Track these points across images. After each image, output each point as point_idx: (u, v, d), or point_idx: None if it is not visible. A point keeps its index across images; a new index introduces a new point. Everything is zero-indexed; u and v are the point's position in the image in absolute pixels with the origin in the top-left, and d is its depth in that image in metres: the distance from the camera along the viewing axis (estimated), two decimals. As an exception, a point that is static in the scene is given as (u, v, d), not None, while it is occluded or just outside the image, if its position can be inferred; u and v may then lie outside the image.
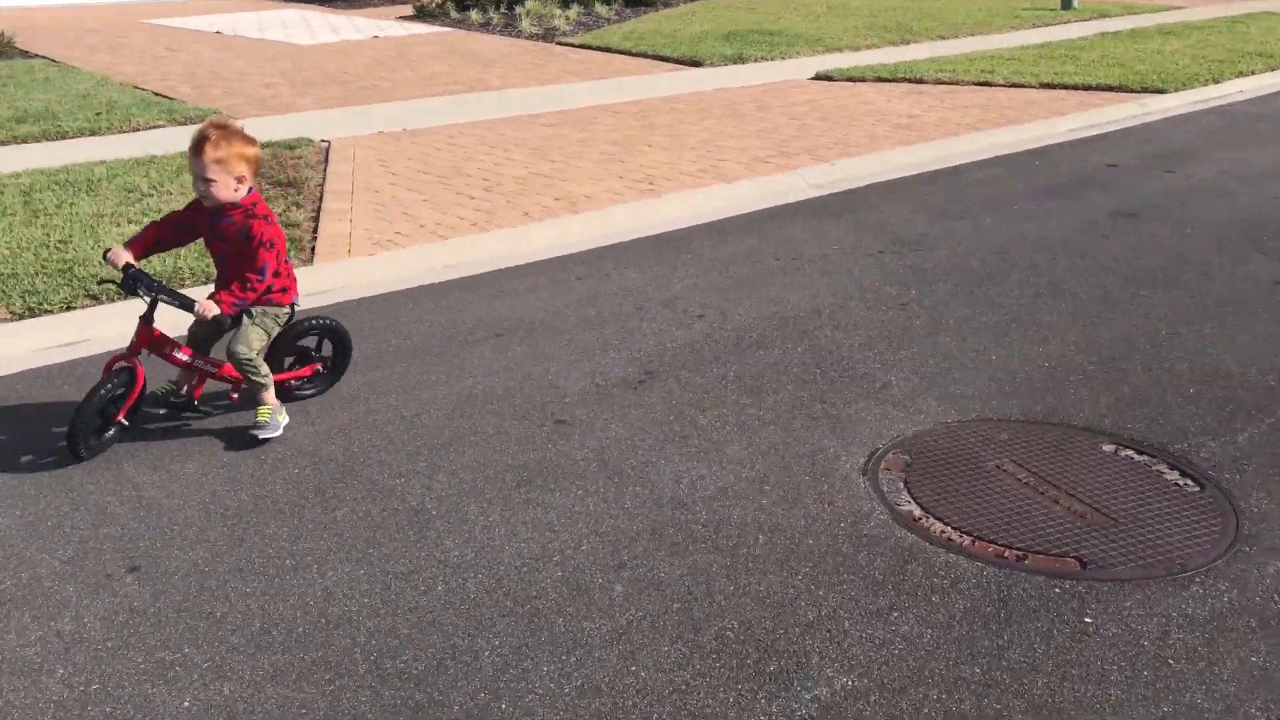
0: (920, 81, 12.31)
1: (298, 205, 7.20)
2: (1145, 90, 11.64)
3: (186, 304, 3.89)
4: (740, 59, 13.63)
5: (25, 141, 8.95)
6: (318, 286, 5.95)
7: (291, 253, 6.20)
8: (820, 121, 10.21)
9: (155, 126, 9.60)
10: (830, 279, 6.00)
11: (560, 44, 15.17)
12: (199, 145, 3.79)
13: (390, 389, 4.60)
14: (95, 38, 14.85)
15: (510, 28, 16.47)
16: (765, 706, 2.72)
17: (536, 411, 4.38)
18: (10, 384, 4.66)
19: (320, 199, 7.45)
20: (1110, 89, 11.74)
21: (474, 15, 17.15)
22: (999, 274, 6.06)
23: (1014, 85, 12.09)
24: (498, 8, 17.61)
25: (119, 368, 3.97)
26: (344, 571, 3.30)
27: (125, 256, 3.90)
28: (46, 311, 5.41)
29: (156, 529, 3.53)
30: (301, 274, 5.98)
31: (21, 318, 5.33)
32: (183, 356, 4.15)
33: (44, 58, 13.07)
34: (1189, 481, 3.81)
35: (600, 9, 17.84)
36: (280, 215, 6.86)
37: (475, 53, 14.32)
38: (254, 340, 4.09)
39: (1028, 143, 9.59)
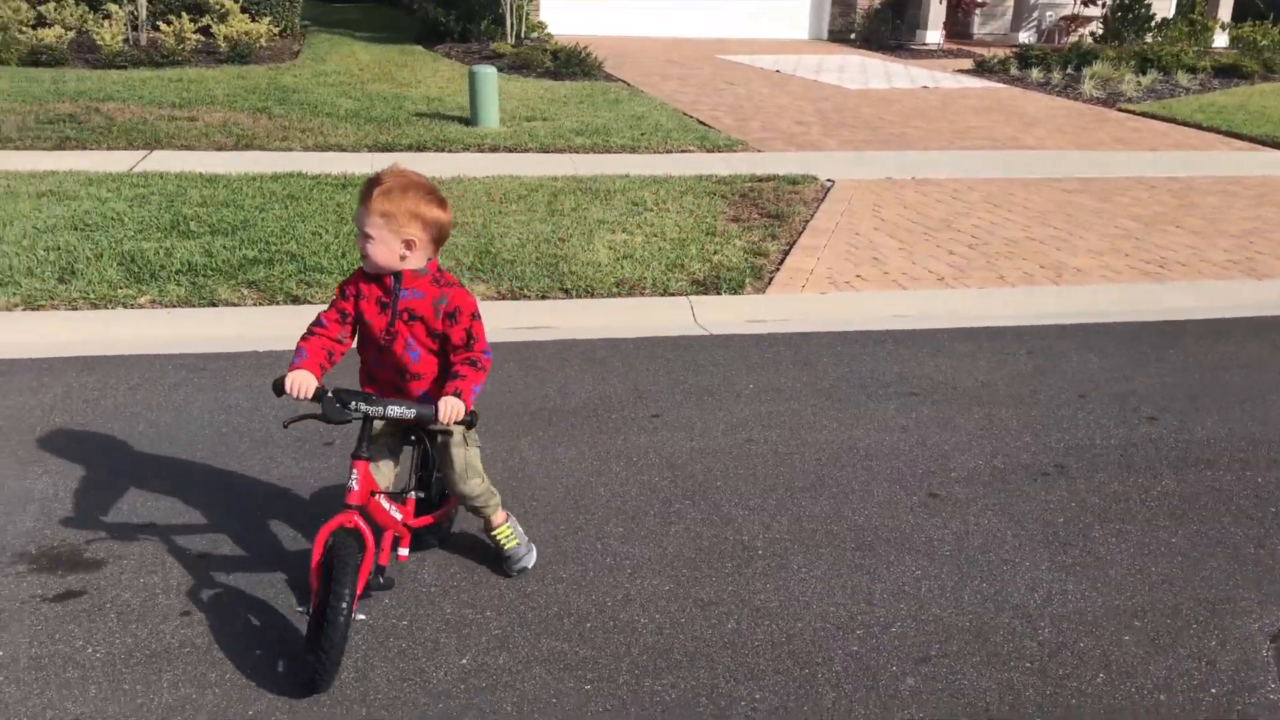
0: None
1: (774, 237, 7.40)
2: None
3: (425, 412, 2.89)
4: (1334, 144, 11.72)
5: (577, 151, 10.12)
6: (762, 315, 6.09)
7: (748, 280, 6.44)
8: None
9: (685, 150, 10.40)
10: (1337, 407, 4.95)
11: (1120, 110, 14.10)
12: (368, 191, 2.90)
13: (778, 424, 4.58)
14: (671, 68, 16.43)
15: (1070, 89, 15.62)
16: None
17: (914, 479, 4.11)
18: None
19: (799, 234, 7.60)
20: None
21: (1034, 73, 16.49)
22: None
23: None
24: (1064, 68, 16.76)
25: (340, 538, 2.83)
26: (651, 584, 3.34)
27: (310, 380, 2.86)
28: (524, 297, 6.09)
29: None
30: (751, 301, 6.25)
31: (504, 299, 6.05)
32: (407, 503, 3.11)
33: (622, 81, 14.71)
34: None
35: (1181, 77, 16.28)
36: (754, 245, 7.12)
37: (1021, 111, 13.77)
38: (477, 461, 3.19)
39: None
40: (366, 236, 2.89)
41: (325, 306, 3.04)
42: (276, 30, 15.37)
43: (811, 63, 17.80)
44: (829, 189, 9.05)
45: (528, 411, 4.58)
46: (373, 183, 2.90)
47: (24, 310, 5.38)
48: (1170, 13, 21.48)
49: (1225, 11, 20.69)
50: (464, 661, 2.94)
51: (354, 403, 2.85)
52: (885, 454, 4.32)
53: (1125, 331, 6.00)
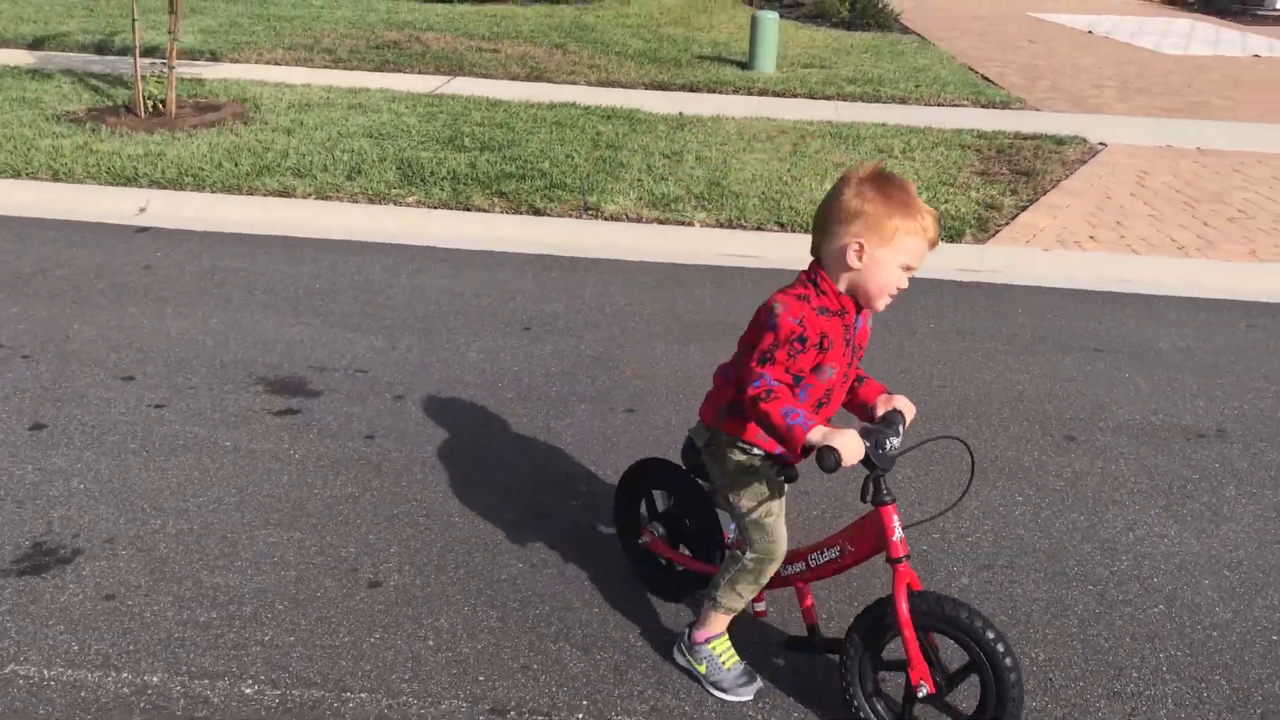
0: None
1: (1014, 193, 7.36)
2: None
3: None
4: None
5: (845, 99, 10.29)
6: (975, 264, 6.17)
7: (969, 230, 6.52)
8: None
9: (957, 104, 10.31)
10: None
11: None
12: (937, 230, 2.32)
13: (944, 361, 4.76)
14: (973, 23, 16.01)
15: None
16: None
17: (1059, 424, 4.21)
18: (702, 273, 5.80)
19: (1045, 192, 7.49)
20: None
21: (1393, 46, 14.72)
22: None
23: None
24: None
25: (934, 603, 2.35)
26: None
27: (856, 441, 2.20)
28: (741, 226, 6.49)
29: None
30: (968, 250, 6.34)
31: (722, 227, 6.48)
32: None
33: (916, 34, 14.55)
34: None
35: None
36: (990, 198, 7.14)
37: (1360, 86, 12.44)
38: None
39: None
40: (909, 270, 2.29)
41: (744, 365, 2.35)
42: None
43: (1132, 25, 16.76)
44: (1097, 152, 8.75)
45: (704, 324, 5.01)
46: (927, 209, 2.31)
47: (315, 199, 6.41)
48: None
49: None
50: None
51: (888, 441, 2.31)
52: (1040, 398, 4.41)
53: (1370, 317, 5.60)
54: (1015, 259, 6.29)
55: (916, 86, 10.81)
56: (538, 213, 6.45)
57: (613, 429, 3.94)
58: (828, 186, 7.14)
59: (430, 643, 2.74)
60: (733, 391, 2.44)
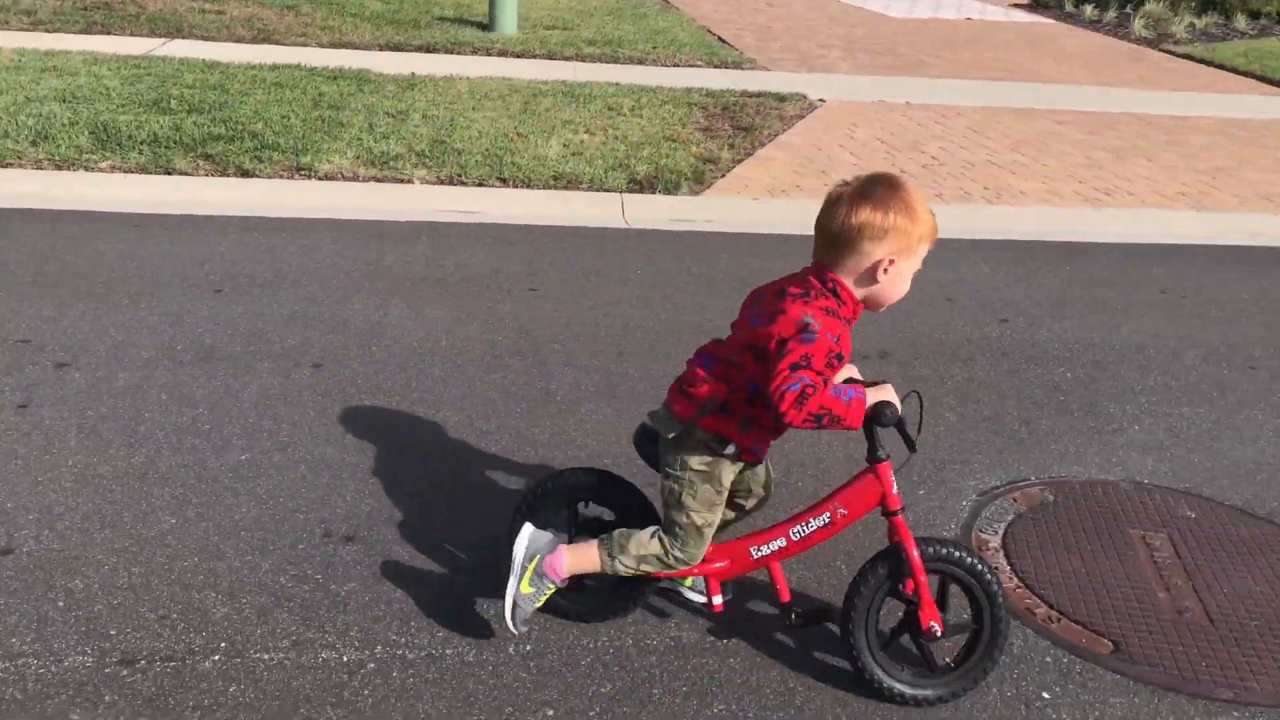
0: None
1: (732, 146, 7.66)
2: None
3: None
4: (1374, 94, 11.41)
5: (584, 60, 10.41)
6: (689, 215, 6.39)
7: (685, 182, 6.74)
8: (1400, 173, 8.33)
9: (692, 65, 10.61)
10: (1184, 324, 5.12)
11: (1162, 50, 13.81)
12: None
13: (643, 303, 4.94)
14: (717, -12, 16.48)
15: (1121, 28, 15.28)
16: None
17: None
18: (418, 229, 5.75)
19: (761, 145, 7.84)
20: None
21: (1088, 10, 16.13)
22: None
23: None
24: (1121, 7, 16.36)
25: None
26: (445, 415, 3.76)
27: (894, 394, 2.40)
28: (462, 183, 6.49)
29: (359, 342, 4.27)
30: (684, 201, 6.56)
31: (442, 184, 6.46)
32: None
33: (661, -1, 14.84)
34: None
35: (1241, 21, 15.77)
36: (710, 152, 7.40)
37: (1056, 46, 13.58)
38: None
39: None
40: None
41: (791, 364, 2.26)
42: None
43: (864, -12, 17.63)
44: (815, 108, 9.21)
45: (412, 278, 5.01)
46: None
47: (-6, 165, 5.99)
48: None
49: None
50: (254, 459, 3.41)
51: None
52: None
53: (1031, 248, 6.17)
54: (726, 208, 6.57)
55: (654, 48, 11.05)
56: (246, 174, 6.25)
57: (295, 385, 3.90)
58: (553, 142, 7.38)
59: (60, 604, 2.66)
60: (725, 390, 2.38)
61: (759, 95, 9.26)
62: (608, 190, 6.59)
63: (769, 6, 15.06)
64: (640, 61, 10.53)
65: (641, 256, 5.58)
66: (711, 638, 2.73)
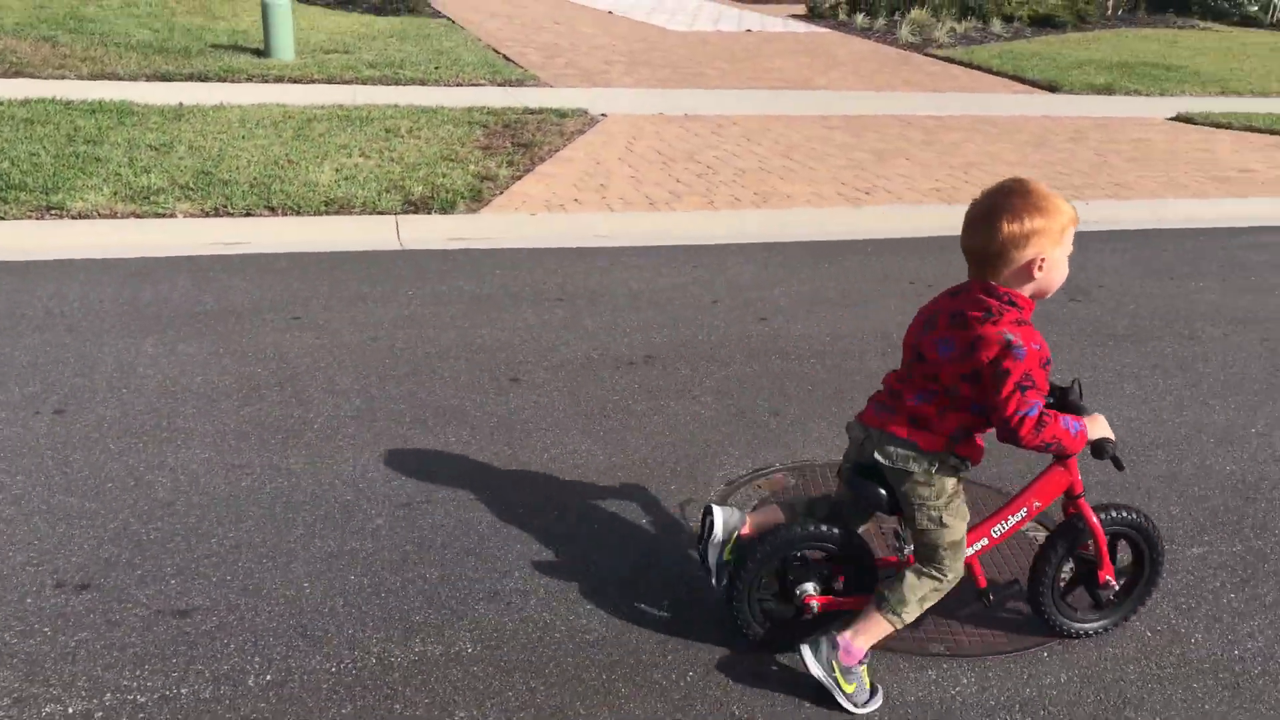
0: (1302, 135, 10.55)
1: (511, 164, 7.73)
2: None
3: None
4: (1109, 89, 12.47)
5: (365, 83, 10.29)
6: (466, 233, 6.43)
7: (462, 201, 6.76)
8: (1126, 162, 9.14)
9: (475, 84, 10.64)
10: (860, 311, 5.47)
11: (927, 54, 14.68)
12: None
13: (410, 324, 4.94)
14: (503, 6, 16.57)
15: (890, 35, 16.15)
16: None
17: (505, 368, 4.51)
18: (178, 264, 5.56)
19: (541, 161, 7.93)
20: None
21: (859, 19, 16.99)
22: (1137, 338, 5.21)
23: None
24: (890, 14, 17.29)
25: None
26: (194, 453, 3.68)
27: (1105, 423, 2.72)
28: (228, 214, 6.33)
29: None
30: (460, 220, 6.57)
31: (207, 215, 6.28)
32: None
33: (446, 18, 14.82)
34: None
35: (997, 25, 16.94)
36: (488, 170, 7.43)
37: (830, 54, 14.25)
38: None
39: (1368, 216, 7.96)
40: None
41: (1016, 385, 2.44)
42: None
43: (648, 3, 18.09)
44: (597, 122, 9.39)
45: (168, 315, 4.86)
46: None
47: None
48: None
49: (1058, -37, 21.38)
50: None
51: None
52: (495, 348, 4.71)
53: (794, 249, 6.48)
54: (503, 225, 6.63)
55: (437, 69, 11.03)
56: (-12, 216, 5.92)
57: (33, 434, 3.74)
58: (326, 168, 7.27)
59: None
60: (963, 417, 2.53)
61: (540, 112, 9.38)
62: (381, 213, 6.55)
63: (555, 25, 15.24)
64: (423, 82, 10.50)
65: (413, 277, 5.58)
66: (455, 649, 2.77)
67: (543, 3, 17.43)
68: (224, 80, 9.91)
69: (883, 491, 2.63)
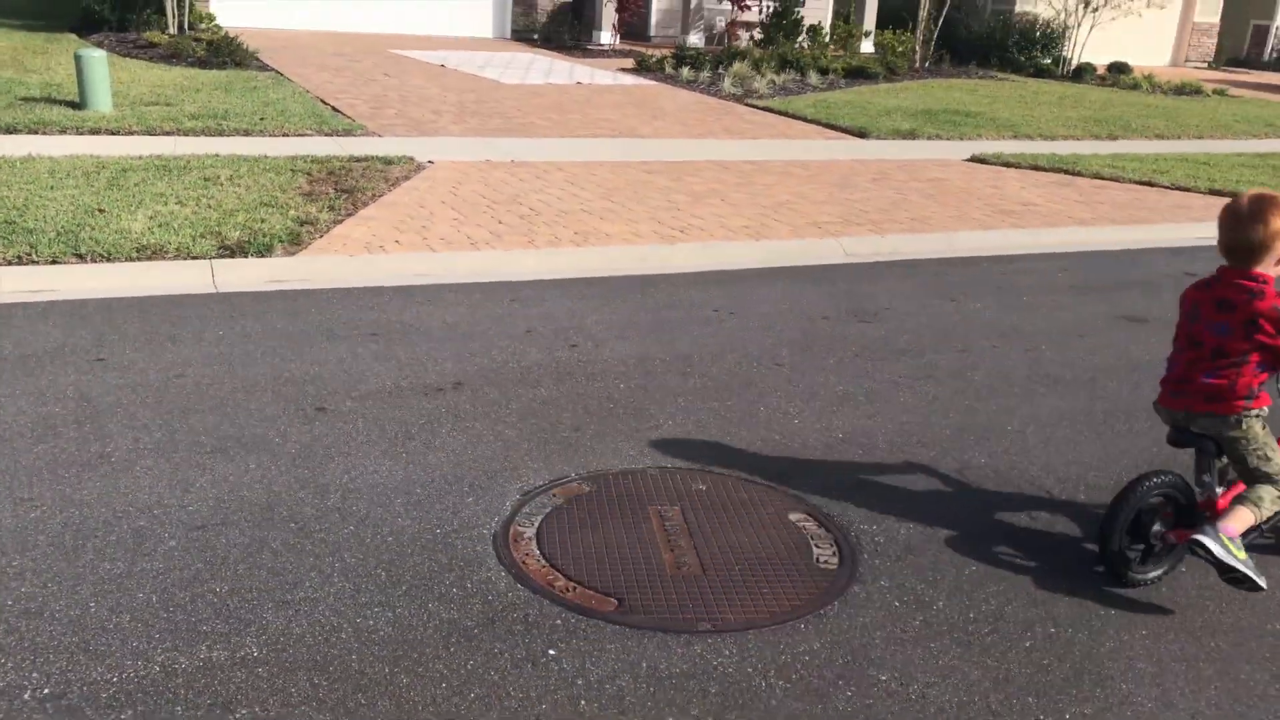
0: (1077, 174, 11.51)
1: (333, 209, 7.80)
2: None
3: None
4: (912, 135, 13.30)
5: (187, 134, 10.18)
6: (283, 276, 6.47)
7: (279, 244, 6.80)
8: (923, 199, 9.81)
9: (302, 134, 10.64)
10: (729, 336, 5.82)
11: (747, 105, 15.37)
12: None
13: (218, 361, 4.97)
14: (334, 60, 16.58)
15: (714, 86, 16.83)
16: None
17: (310, 399, 4.59)
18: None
19: (364, 206, 8.03)
20: (1288, 202, 10.46)
21: (685, 72, 17.66)
22: (915, 352, 5.66)
23: (1180, 188, 11.07)
24: (714, 68, 18.03)
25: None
26: (-14, 487, 3.64)
27: None
28: (33, 262, 6.22)
29: None
30: (277, 263, 6.60)
31: (10, 264, 6.16)
32: None
33: (274, 71, 14.75)
34: (833, 557, 3.48)
35: (814, 77, 17.86)
36: (308, 215, 7.47)
37: (656, 105, 14.77)
38: None
39: (1131, 242, 8.79)
40: None
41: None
42: (-110, 13, 14.47)
43: (480, 59, 18.37)
44: (422, 169, 9.54)
45: (-37, 357, 4.78)
46: None
47: None
48: (828, 20, 23.43)
49: (870, 20, 22.76)
50: None
51: None
52: (304, 381, 4.79)
53: (612, 282, 6.76)
54: (320, 267, 6.70)
55: (262, 119, 11.00)
56: None
57: None
58: (140, 215, 7.20)
59: None
60: (1247, 378, 3.27)
61: (366, 159, 9.48)
62: (196, 258, 6.54)
63: (385, 77, 15.35)
64: (247, 133, 10.45)
65: (226, 319, 5.61)
66: (241, 653, 2.86)
67: (374, 57, 17.51)
68: (35, 132, 9.67)
69: (1210, 442, 3.40)
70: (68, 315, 5.49)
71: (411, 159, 9.75)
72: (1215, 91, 21.08)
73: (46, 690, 2.66)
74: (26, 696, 2.63)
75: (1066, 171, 11.59)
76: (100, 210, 7.15)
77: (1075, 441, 4.62)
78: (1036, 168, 11.74)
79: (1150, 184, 11.22)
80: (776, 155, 11.57)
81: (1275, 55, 28.31)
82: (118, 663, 2.77)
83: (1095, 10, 21.88)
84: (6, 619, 2.92)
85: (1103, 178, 11.41)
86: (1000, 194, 10.26)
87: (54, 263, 6.26)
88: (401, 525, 3.56)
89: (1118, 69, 22.56)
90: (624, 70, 18.61)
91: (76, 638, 2.85)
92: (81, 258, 6.36)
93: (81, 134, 9.80)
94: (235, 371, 4.86)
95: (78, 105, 10.82)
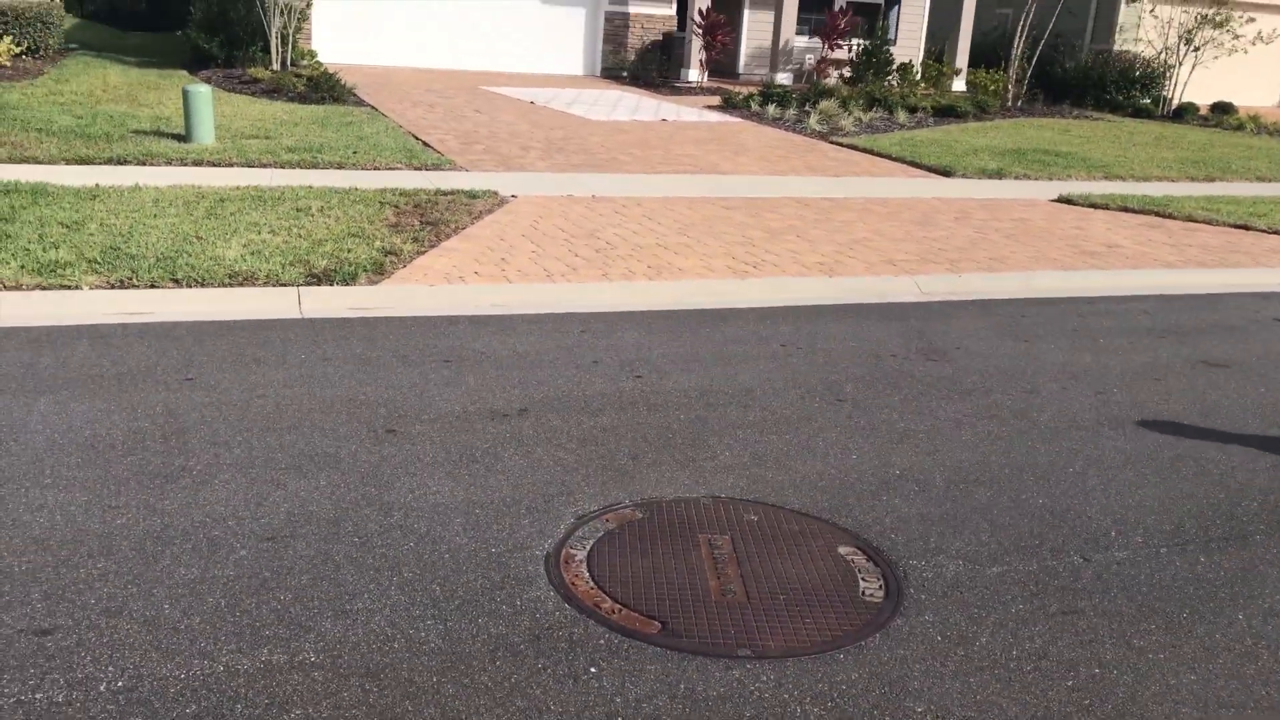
0: (1168, 216, 11.31)
1: (416, 240, 8.07)
2: None
3: None
4: (999, 174, 13.21)
5: (283, 166, 10.63)
6: (367, 303, 6.72)
7: (364, 273, 7.07)
8: (1004, 238, 9.75)
9: (392, 168, 11.03)
10: (793, 370, 5.88)
11: (832, 142, 15.42)
12: None
13: (299, 383, 5.21)
14: (427, 96, 17.11)
15: (800, 124, 16.93)
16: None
17: (380, 420, 4.78)
18: (79, 333, 5.79)
19: (447, 238, 8.30)
20: (1389, 247, 10.14)
21: (771, 110, 17.79)
22: (981, 391, 5.64)
23: (1277, 232, 10.79)
24: (801, 105, 18.13)
25: None
26: (69, 495, 3.89)
27: None
28: (133, 286, 6.58)
29: None
30: (361, 291, 6.87)
31: (112, 288, 6.53)
32: None
33: (370, 106, 15.29)
34: (879, 590, 3.51)
35: (902, 115, 17.83)
36: (393, 246, 7.76)
37: (739, 142, 14.92)
38: None
39: (1219, 286, 8.61)
40: None
41: None
42: (18, 50, 15.41)
43: (569, 95, 18.75)
44: (506, 203, 9.81)
45: (64, 378, 5.09)
46: None
47: None
48: (919, 58, 23.38)
49: (962, 58, 22.64)
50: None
51: None
52: (375, 404, 4.99)
53: (681, 315, 6.87)
54: (402, 295, 6.95)
55: (355, 153, 11.42)
56: (-107, 289, 6.11)
57: (-81, 478, 3.93)
58: (234, 244, 7.56)
59: None
60: None
61: (452, 193, 9.78)
62: (284, 285, 6.83)
63: (476, 114, 15.78)
64: (340, 166, 10.87)
65: (308, 343, 5.86)
66: (299, 658, 3.01)
67: (466, 93, 18.02)
68: (143, 164, 10.19)
69: None
70: (161, 337, 5.80)
71: (496, 193, 10.03)
72: (1322, 133, 20.44)
73: (120, 684, 2.84)
74: (102, 688, 2.82)
75: (1157, 214, 11.38)
76: (198, 238, 7.52)
77: (1138, 485, 4.56)
78: (1126, 209, 11.56)
79: (1246, 227, 10.96)
80: (857, 193, 11.59)
81: (1389, 95, 27.29)
82: (186, 661, 2.94)
83: (1198, 50, 21.44)
84: (89, 616, 3.12)
85: (1195, 220, 11.19)
86: (1084, 235, 10.13)
87: (152, 287, 6.61)
88: (459, 543, 3.70)
89: (1221, 109, 22.05)
90: (710, 107, 18.81)
91: (150, 636, 3.04)
92: (178, 283, 6.70)
93: (185, 165, 10.29)
94: (314, 393, 5.08)
95: (183, 138, 11.38)
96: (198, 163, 10.39)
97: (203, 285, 6.72)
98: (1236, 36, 21.03)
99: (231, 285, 6.76)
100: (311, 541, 3.65)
